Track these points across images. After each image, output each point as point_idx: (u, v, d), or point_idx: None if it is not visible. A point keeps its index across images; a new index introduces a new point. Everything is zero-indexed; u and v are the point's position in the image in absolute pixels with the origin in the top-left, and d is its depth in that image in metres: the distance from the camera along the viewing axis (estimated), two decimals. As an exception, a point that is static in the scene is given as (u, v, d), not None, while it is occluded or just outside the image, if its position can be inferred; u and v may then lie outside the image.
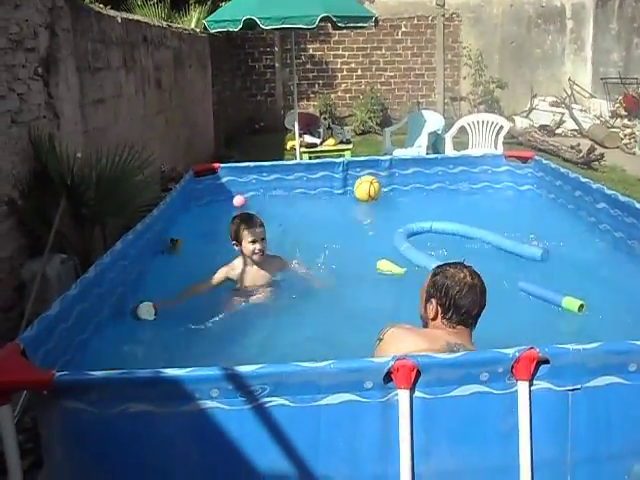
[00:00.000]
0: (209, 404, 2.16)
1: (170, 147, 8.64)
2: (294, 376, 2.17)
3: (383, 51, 15.22)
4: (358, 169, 6.15)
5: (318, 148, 9.12)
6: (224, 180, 6.02)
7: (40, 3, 4.98)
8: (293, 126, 8.95)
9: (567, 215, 5.33)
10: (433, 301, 2.71)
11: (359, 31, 14.59)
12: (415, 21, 15.08)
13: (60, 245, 4.84)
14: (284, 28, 7.89)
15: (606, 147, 12.42)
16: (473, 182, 6.22)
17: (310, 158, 8.49)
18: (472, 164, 6.24)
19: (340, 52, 15.26)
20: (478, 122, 9.36)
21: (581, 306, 3.56)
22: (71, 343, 2.93)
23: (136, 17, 7.74)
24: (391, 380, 2.19)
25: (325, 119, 14.55)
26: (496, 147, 8.80)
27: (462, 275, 2.70)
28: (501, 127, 9.21)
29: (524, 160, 6.18)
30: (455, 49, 15.23)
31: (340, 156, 8.20)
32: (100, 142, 5.75)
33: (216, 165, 6.06)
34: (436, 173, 6.18)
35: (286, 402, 2.18)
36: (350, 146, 9.29)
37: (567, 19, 15.37)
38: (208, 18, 8.22)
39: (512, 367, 2.22)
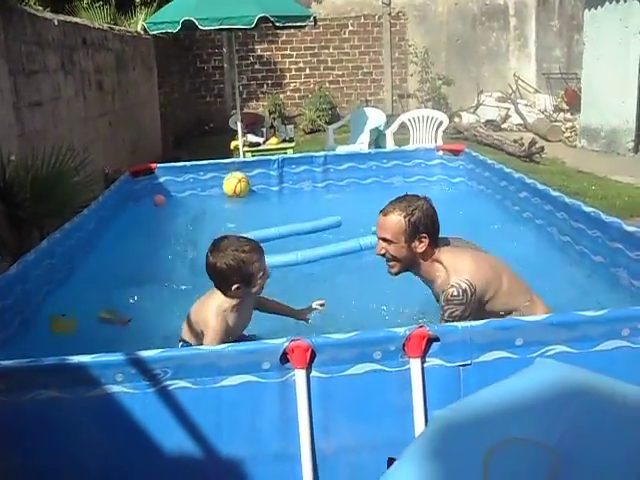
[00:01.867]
0: (114, 388, 2.26)
1: (114, 149, 8.66)
2: (194, 359, 2.28)
3: (331, 50, 15.39)
4: (293, 166, 6.28)
5: (261, 147, 9.22)
6: (161, 180, 6.10)
7: (-32, 7, 5.00)
8: (237, 126, 9.04)
9: (494, 204, 5.52)
10: (422, 237, 2.98)
11: (306, 30, 14.73)
12: (362, 20, 15.27)
13: (-5, 248, 4.87)
14: (223, 29, 7.98)
15: (549, 140, 12.76)
16: (407, 176, 6.37)
17: (253, 157, 8.59)
18: (405, 158, 6.40)
19: (288, 52, 15.38)
20: (418, 118, 9.56)
21: None
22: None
23: (74, 19, 7.73)
24: (288, 361, 2.31)
25: (274, 119, 14.64)
26: (436, 142, 9.00)
27: (423, 203, 3.03)
28: (441, 122, 9.42)
29: (456, 153, 6.37)
30: (402, 47, 15.46)
31: (283, 154, 8.31)
32: (39, 144, 5.77)
33: (153, 165, 6.13)
34: (370, 168, 6.32)
35: (188, 384, 2.28)
36: (293, 144, 9.42)
37: (510, 16, 15.70)
38: (147, 20, 8.28)
39: (404, 345, 2.35)
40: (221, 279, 2.90)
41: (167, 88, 13.17)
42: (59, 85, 6.72)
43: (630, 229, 3.59)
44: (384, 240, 3.04)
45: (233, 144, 9.37)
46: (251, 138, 9.27)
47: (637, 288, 3.57)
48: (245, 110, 14.59)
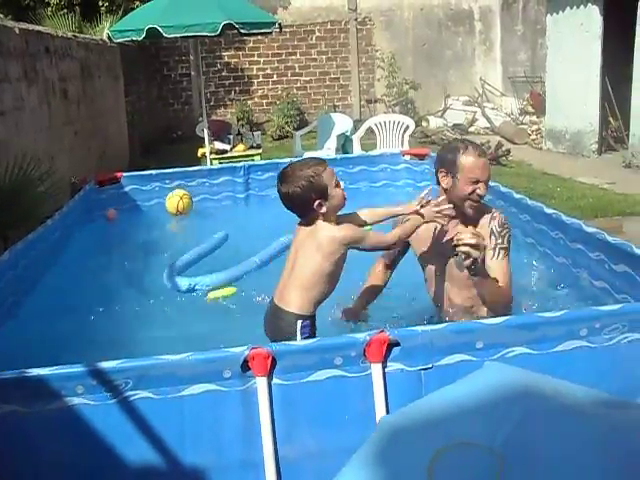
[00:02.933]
0: (75, 401, 2.24)
1: (80, 158, 8.59)
2: (154, 369, 2.27)
3: (298, 56, 15.44)
4: (259, 173, 6.28)
5: (228, 154, 9.21)
6: (127, 189, 6.06)
7: None
8: (204, 133, 9.03)
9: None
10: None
11: (273, 37, 14.78)
12: (328, 26, 15.35)
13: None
14: (188, 36, 7.97)
15: (516, 143, 12.94)
16: (373, 181, 6.41)
17: (220, 164, 8.58)
18: (371, 163, 6.44)
19: (255, 58, 15.40)
20: (385, 122, 9.63)
21: None
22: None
23: (37, 28, 7.67)
24: (249, 369, 2.32)
25: (243, 125, 14.67)
26: (402, 146, 9.07)
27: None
28: (407, 126, 9.50)
29: (421, 157, 6.42)
30: (369, 52, 15.56)
31: (250, 161, 8.32)
32: (2, 155, 5.72)
33: (118, 174, 6.09)
34: (336, 173, 6.33)
35: (150, 394, 2.27)
36: (259, 151, 9.42)
37: (475, 21, 15.90)
38: (111, 28, 8.24)
39: (364, 350, 2.37)
40: (301, 203, 2.89)
41: (134, 96, 13.11)
42: (22, 94, 6.66)
43: (589, 230, 3.65)
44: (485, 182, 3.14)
45: (200, 151, 9.35)
46: (218, 145, 9.26)
47: (598, 288, 3.64)
48: (213, 117, 14.59)
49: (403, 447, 1.05)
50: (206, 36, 8.05)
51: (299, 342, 2.39)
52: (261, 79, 15.61)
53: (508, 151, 10.98)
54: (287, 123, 14.91)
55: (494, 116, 14.50)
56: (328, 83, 15.66)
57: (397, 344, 2.39)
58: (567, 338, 2.51)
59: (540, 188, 9.20)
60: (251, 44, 15.12)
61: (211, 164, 8.69)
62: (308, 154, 9.15)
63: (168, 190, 6.17)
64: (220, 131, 9.90)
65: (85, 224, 5.40)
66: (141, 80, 14.13)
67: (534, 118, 13.84)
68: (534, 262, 4.28)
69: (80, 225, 5.28)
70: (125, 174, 6.16)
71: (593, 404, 1.12)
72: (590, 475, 0.92)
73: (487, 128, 14.39)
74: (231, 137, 9.58)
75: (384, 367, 2.39)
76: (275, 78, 15.60)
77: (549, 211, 4.06)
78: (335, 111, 14.21)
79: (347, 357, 2.36)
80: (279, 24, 8.36)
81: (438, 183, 3.28)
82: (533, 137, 13.06)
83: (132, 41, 8.23)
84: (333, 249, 2.92)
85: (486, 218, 3.21)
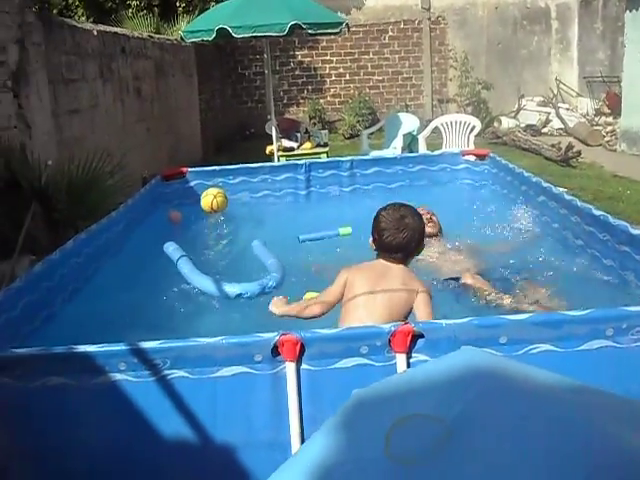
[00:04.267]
0: (118, 377, 2.42)
1: (152, 154, 8.94)
2: (190, 350, 2.43)
3: (371, 55, 15.52)
4: (320, 170, 6.41)
5: (295, 152, 9.39)
6: (192, 183, 6.29)
7: (9, 19, 5.28)
8: (272, 131, 9.24)
9: (515, 209, 5.57)
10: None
11: (346, 36, 14.88)
12: (402, 25, 15.37)
13: (32, 247, 5.12)
14: (257, 36, 8.18)
15: (589, 145, 12.68)
16: (432, 180, 6.46)
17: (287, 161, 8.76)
18: (431, 162, 6.49)
19: (328, 57, 15.57)
20: (451, 122, 9.63)
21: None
22: (18, 332, 3.21)
23: (114, 29, 8.03)
24: (279, 354, 2.45)
25: (315, 124, 14.88)
26: (468, 146, 9.05)
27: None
28: (473, 127, 9.47)
29: (481, 158, 6.42)
30: (442, 52, 15.50)
31: (316, 159, 8.50)
32: (76, 150, 6.05)
33: (184, 169, 6.33)
34: (396, 172, 6.43)
35: (186, 374, 2.43)
36: (326, 149, 9.56)
37: (552, 19, 15.62)
38: (183, 29, 8.54)
39: (389, 341, 2.47)
40: (418, 242, 3.20)
41: (208, 94, 13.47)
42: (97, 93, 7.00)
43: (635, 232, 3.63)
44: None
45: (268, 149, 9.56)
46: (286, 143, 9.45)
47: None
48: (286, 115, 14.84)
49: (367, 416, 1.15)
50: (274, 36, 8.24)
51: (327, 330, 2.50)
52: (334, 78, 15.76)
53: (579, 153, 10.80)
54: (358, 122, 15.02)
55: (568, 117, 14.23)
56: (400, 82, 15.68)
57: (421, 336, 2.48)
58: (592, 337, 2.54)
59: (609, 191, 9.03)
60: (324, 43, 15.30)
61: (278, 161, 8.90)
62: (375, 153, 9.26)
63: (232, 186, 6.37)
64: (289, 129, 10.10)
65: (150, 216, 5.64)
66: (216, 78, 14.49)
67: (609, 119, 13.52)
68: (584, 263, 4.27)
69: (145, 217, 5.52)
70: (190, 169, 6.38)
71: (557, 389, 1.20)
72: (540, 457, 0.99)
73: (561, 129, 14.14)
74: (299, 135, 9.75)
75: (409, 357, 2.48)
76: (348, 77, 15.72)
77: (597, 213, 4.04)
78: (407, 111, 14.24)
79: (372, 346, 2.46)
80: (347, 24, 8.47)
81: None
82: (607, 139, 12.76)
83: (205, 41, 8.47)
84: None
85: None
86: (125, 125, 7.89)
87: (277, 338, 2.42)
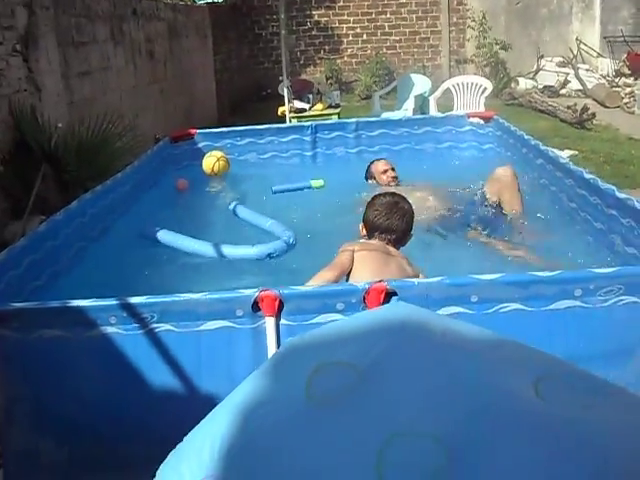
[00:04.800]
0: (109, 329, 2.59)
1: (166, 116, 9.05)
2: (175, 305, 2.58)
3: (388, 15, 15.38)
4: (326, 132, 6.50)
5: (307, 113, 9.44)
6: (201, 145, 6.41)
7: (18, -17, 5.39)
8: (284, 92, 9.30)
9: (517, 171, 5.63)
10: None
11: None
12: (420, -16, 15.20)
13: (42, 208, 5.30)
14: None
15: (607, 107, 12.54)
16: (438, 142, 6.52)
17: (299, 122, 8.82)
18: (436, 124, 6.54)
19: (345, 17, 15.46)
20: (462, 84, 9.61)
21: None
22: (23, 288, 3.39)
23: (124, -9, 8.09)
24: (259, 309, 2.60)
25: (331, 85, 14.86)
26: (478, 108, 9.05)
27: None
28: (485, 88, 9.45)
29: (487, 120, 6.46)
30: (460, 11, 15.32)
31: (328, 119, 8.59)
32: (87, 112, 6.19)
33: (192, 131, 6.44)
34: (401, 134, 6.49)
35: (172, 327, 2.59)
36: (337, 110, 9.58)
37: (574, -23, 15.31)
38: (194, -10, 8.58)
39: (364, 298, 2.60)
40: (411, 228, 3.42)
41: (224, 55, 13.50)
42: (108, 55, 7.10)
43: (622, 196, 3.70)
44: None
45: (280, 110, 9.62)
46: (297, 104, 9.50)
47: (630, 254, 3.70)
48: (302, 76, 14.83)
49: (293, 362, 1.27)
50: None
51: (304, 287, 2.64)
52: (351, 38, 15.67)
53: (593, 115, 10.71)
54: (375, 83, 14.96)
55: (588, 78, 14.04)
56: (418, 43, 15.55)
57: (395, 294, 2.60)
58: (561, 297, 2.65)
59: (621, 154, 8.99)
60: (341, 3, 15.20)
61: (290, 122, 8.96)
62: (386, 114, 9.30)
63: (240, 147, 6.50)
64: (301, 90, 10.14)
65: (158, 177, 5.78)
66: (232, 39, 14.49)
67: (629, 80, 13.34)
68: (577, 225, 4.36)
69: (153, 178, 5.66)
70: (199, 131, 6.50)
71: (473, 344, 1.31)
72: (432, 402, 1.11)
73: (579, 90, 13.97)
74: (311, 96, 9.79)
75: (383, 314, 2.61)
76: (365, 37, 15.63)
77: (587, 176, 4.11)
78: (424, 72, 14.16)
79: (348, 303, 2.59)
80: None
81: None
82: (626, 100, 12.60)
83: (214, 2, 8.50)
84: None
85: None
86: (137, 86, 7.99)
87: (257, 294, 2.56)
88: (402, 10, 15.32)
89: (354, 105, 14.05)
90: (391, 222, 3.32)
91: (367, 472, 1.01)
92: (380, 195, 3.47)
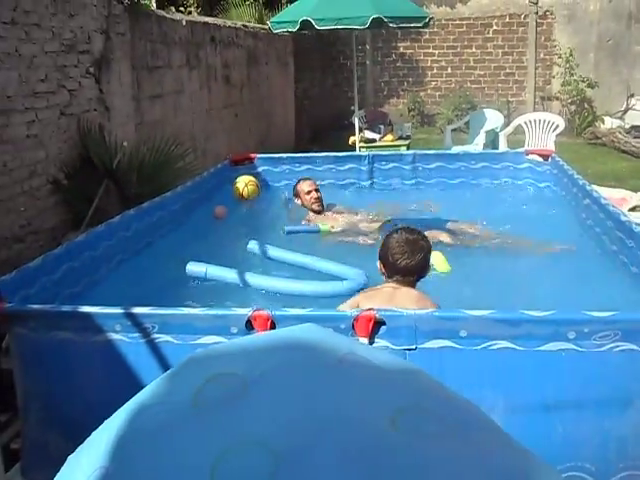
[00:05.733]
0: (114, 336, 2.77)
1: (239, 139, 9.37)
2: (174, 318, 2.74)
3: (474, 49, 15.35)
4: (383, 163, 6.59)
5: (377, 143, 9.56)
6: (260, 169, 6.62)
7: (96, 12, 5.77)
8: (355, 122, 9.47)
9: (569, 211, 5.56)
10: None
11: (450, 29, 14.93)
12: (507, 19, 15.09)
13: (101, 221, 5.61)
14: (338, 29, 8.39)
15: (698, 150, 12.09)
16: (494, 178, 6.49)
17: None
18: (494, 160, 6.52)
19: (430, 50, 15.53)
20: (535, 121, 9.52)
21: None
22: (59, 293, 3.63)
23: (204, 19, 8.47)
24: (252, 327, 2.71)
25: (413, 117, 14.94)
26: (549, 145, 8.94)
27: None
28: (557, 126, 9.32)
29: (545, 158, 6.40)
30: (547, 47, 15.11)
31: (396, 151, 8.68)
32: (157, 133, 6.52)
33: (252, 155, 6.67)
34: (458, 168, 6.50)
35: (171, 339, 2.75)
36: (408, 142, 9.66)
37: (671, 14, 14.87)
38: (271, 19, 8.86)
39: (353, 325, 2.67)
40: (428, 263, 3.34)
41: (306, 83, 13.81)
42: (182, 79, 7.45)
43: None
44: None
45: (351, 139, 9.78)
46: (368, 134, 9.64)
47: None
48: (385, 107, 14.98)
49: (189, 371, 1.39)
50: (356, 29, 8.41)
51: (296, 310, 2.74)
52: (435, 71, 15.72)
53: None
54: (457, 116, 14.92)
55: (680, 118, 13.58)
56: (502, 78, 15.43)
57: (383, 323, 2.66)
58: (553, 339, 2.63)
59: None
60: (427, 36, 15.27)
61: (359, 151, 9.10)
62: (457, 148, 9.31)
63: (298, 173, 6.66)
64: (374, 120, 10.28)
65: (213, 197, 6.00)
66: (316, 67, 14.80)
67: None
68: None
69: (208, 198, 5.89)
70: (259, 155, 6.72)
71: (368, 369, 1.37)
72: (286, 420, 1.19)
73: (670, 131, 13.51)
74: (382, 127, 9.91)
75: (370, 342, 2.66)
76: (449, 71, 15.64)
77: (624, 219, 4.04)
78: (508, 107, 14.06)
79: (337, 329, 2.65)
80: (432, 18, 8.55)
81: None
82: None
83: (289, 31, 8.74)
84: None
85: None
86: (211, 110, 8.33)
87: (250, 313, 2.68)
88: (488, 44, 15.27)
89: (434, 138, 14.06)
90: (411, 263, 3.22)
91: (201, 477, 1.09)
92: (395, 233, 3.33)
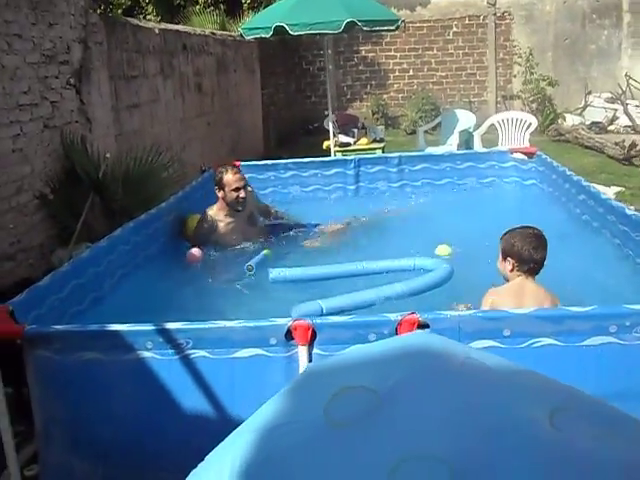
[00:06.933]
0: (145, 354, 2.65)
1: (213, 148, 9.24)
2: (210, 332, 2.63)
3: (435, 51, 15.48)
4: (369, 166, 6.55)
5: (351, 147, 9.53)
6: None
7: (74, 21, 5.61)
8: (329, 126, 9.42)
9: (559, 207, 5.59)
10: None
11: (410, 32, 15.00)
12: (466, 21, 15.27)
13: (89, 235, 5.45)
14: (312, 33, 8.35)
15: (657, 144, 12.36)
16: (480, 177, 6.51)
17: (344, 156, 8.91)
18: (479, 160, 6.53)
19: (392, 53, 15.61)
20: (507, 120, 9.60)
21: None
22: (65, 312, 3.48)
23: (176, 27, 8.34)
24: (292, 338, 2.63)
25: (377, 119, 14.97)
26: (523, 143, 9.02)
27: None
28: (530, 124, 9.42)
29: (530, 155, 6.44)
30: (507, 47, 15.33)
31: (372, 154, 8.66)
32: (135, 143, 6.37)
33: (237, 162, 6.55)
34: (444, 169, 6.50)
35: (206, 354, 2.64)
36: (382, 145, 9.65)
37: (624, 12, 15.20)
38: (242, 26, 8.77)
39: (396, 329, 2.61)
40: None
41: (272, 89, 13.74)
42: (157, 88, 7.31)
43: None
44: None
45: (325, 144, 9.73)
46: (342, 138, 9.60)
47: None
48: (349, 110, 14.98)
49: (313, 386, 1.31)
50: (330, 33, 8.38)
51: (337, 318, 2.67)
52: (397, 73, 15.80)
53: (642, 151, 10.57)
54: (421, 118, 15.00)
55: (637, 114, 13.88)
56: (464, 78, 15.59)
57: (427, 326, 2.61)
58: (595, 333, 2.61)
59: (667, 191, 8.85)
60: (388, 39, 15.34)
61: (334, 156, 9.06)
62: (431, 149, 9.33)
63: (283, 180, 6.59)
64: (346, 124, 10.24)
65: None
66: (280, 73, 14.74)
67: (680, 117, 13.14)
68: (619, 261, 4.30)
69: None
70: (243, 163, 6.60)
71: (493, 371, 1.33)
72: (462, 430, 1.12)
73: (628, 127, 13.79)
74: (356, 131, 9.88)
75: (414, 346, 2.62)
76: (411, 73, 15.74)
77: (630, 212, 4.07)
78: (470, 107, 14.18)
79: (380, 334, 2.59)
80: (403, 21, 8.56)
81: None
82: (677, 137, 12.41)
83: (262, 37, 8.68)
84: None
85: None
86: (185, 119, 8.19)
87: (290, 323, 2.60)
88: (449, 46, 15.41)
89: (400, 140, 14.10)
90: (543, 255, 3.37)
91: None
92: (518, 232, 3.45)
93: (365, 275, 4.36)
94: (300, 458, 1.10)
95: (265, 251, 4.74)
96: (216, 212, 5.01)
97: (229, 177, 4.95)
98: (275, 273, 4.28)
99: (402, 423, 1.11)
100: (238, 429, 1.32)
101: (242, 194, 4.92)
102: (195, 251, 4.72)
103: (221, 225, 4.98)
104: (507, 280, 3.43)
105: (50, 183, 5.26)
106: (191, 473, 1.30)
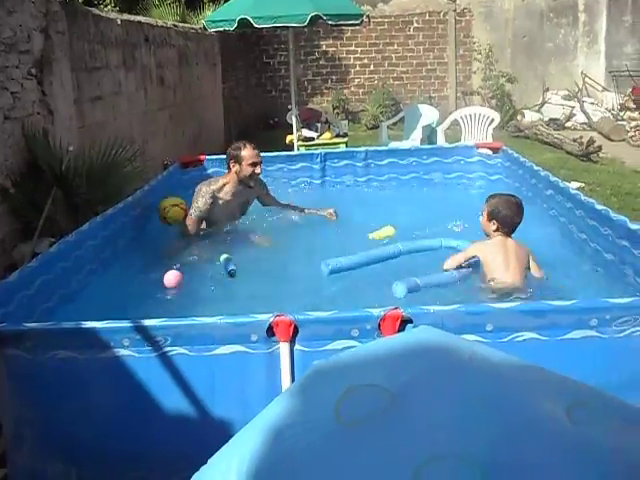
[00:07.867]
0: (122, 352, 2.58)
1: (175, 141, 9.11)
2: (189, 328, 2.57)
3: (395, 47, 15.54)
4: (335, 160, 6.52)
5: (315, 142, 9.49)
6: (210, 171, 6.42)
7: (35, 9, 5.45)
8: (293, 120, 9.36)
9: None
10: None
11: (371, 27, 15.00)
12: (427, 17, 15.37)
13: (51, 230, 5.30)
14: (277, 27, 8.28)
15: (612, 140, 12.61)
16: (446, 172, 6.53)
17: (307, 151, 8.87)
18: (445, 155, 6.56)
19: (353, 48, 15.62)
20: (470, 115, 9.67)
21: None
22: (34, 309, 3.37)
23: (138, 18, 8.18)
24: (274, 334, 2.58)
25: (338, 114, 14.96)
26: (486, 139, 9.10)
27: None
28: (492, 120, 9.51)
29: (495, 151, 6.48)
30: (467, 44, 15.47)
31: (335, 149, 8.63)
32: (98, 136, 6.22)
33: (202, 157, 6.46)
34: (410, 164, 6.51)
35: (185, 351, 2.58)
36: (346, 139, 9.64)
37: (580, 12, 15.47)
38: (206, 18, 8.66)
39: (379, 325, 2.59)
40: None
41: (232, 82, 13.61)
42: (120, 81, 7.16)
43: (634, 227, 3.70)
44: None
45: (288, 138, 9.68)
46: (306, 133, 9.56)
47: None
48: (310, 105, 14.93)
49: (321, 384, 1.27)
50: (295, 27, 8.33)
51: (319, 313, 2.62)
52: (358, 68, 15.82)
53: (599, 147, 10.76)
54: (382, 113, 15.06)
55: (593, 111, 14.15)
56: (424, 74, 15.69)
57: (410, 321, 2.59)
58: (577, 327, 2.63)
59: (627, 186, 9.02)
60: (349, 34, 15.35)
61: (298, 150, 9.01)
62: (394, 144, 9.34)
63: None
64: (309, 119, 10.20)
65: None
66: (240, 67, 14.62)
67: (634, 114, 13.40)
68: (587, 256, 4.34)
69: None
70: (208, 157, 6.52)
71: (498, 368, 1.30)
72: (461, 424, 1.10)
73: (584, 124, 14.07)
74: (319, 125, 9.85)
75: (398, 341, 2.60)
76: (372, 68, 15.77)
77: (599, 207, 4.11)
78: (431, 103, 14.25)
79: (363, 329, 2.58)
80: (367, 16, 8.55)
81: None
82: (631, 134, 12.67)
83: (226, 30, 8.57)
84: None
85: None
86: (147, 112, 8.05)
87: (271, 319, 2.55)
88: (409, 42, 15.49)
89: (361, 134, 14.13)
90: (517, 220, 4.00)
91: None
92: (504, 196, 4.11)
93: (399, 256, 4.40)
94: (313, 459, 1.07)
95: (225, 255, 4.43)
96: (220, 187, 5.03)
97: (248, 151, 5.07)
98: (333, 264, 4.06)
99: (421, 421, 1.08)
100: (243, 430, 1.27)
101: (258, 170, 5.08)
102: (173, 275, 4.04)
103: (220, 202, 4.99)
104: (488, 235, 4.05)
105: (11, 176, 5.09)
106: (195, 474, 1.25)
